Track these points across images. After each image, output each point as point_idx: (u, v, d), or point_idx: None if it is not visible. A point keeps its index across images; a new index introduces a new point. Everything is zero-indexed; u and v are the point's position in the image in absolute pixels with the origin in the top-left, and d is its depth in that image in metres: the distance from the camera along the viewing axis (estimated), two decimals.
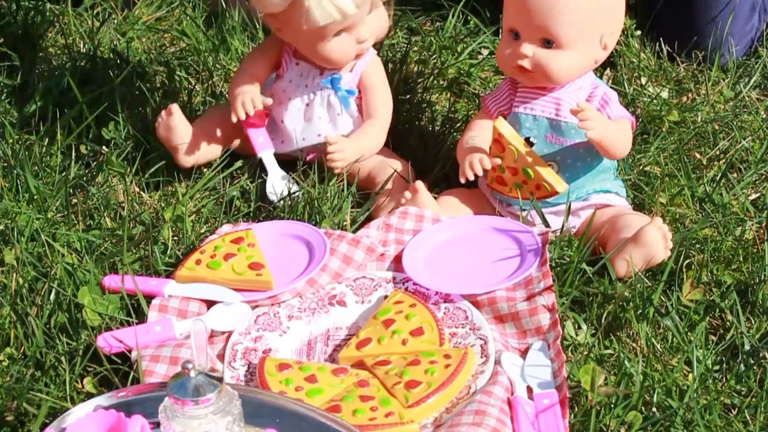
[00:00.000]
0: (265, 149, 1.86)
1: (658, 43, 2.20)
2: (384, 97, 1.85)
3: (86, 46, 2.29)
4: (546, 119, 1.72)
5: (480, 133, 1.75)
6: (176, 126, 1.83)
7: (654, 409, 1.39)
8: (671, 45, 2.19)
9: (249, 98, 1.82)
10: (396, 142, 1.96)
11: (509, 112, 1.75)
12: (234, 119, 1.83)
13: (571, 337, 1.51)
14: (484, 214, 1.75)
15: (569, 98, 1.70)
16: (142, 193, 1.86)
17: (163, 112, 1.84)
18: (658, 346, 1.50)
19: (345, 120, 1.85)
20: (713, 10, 2.12)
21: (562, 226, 1.69)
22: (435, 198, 1.76)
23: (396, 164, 1.84)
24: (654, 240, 1.57)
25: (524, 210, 1.71)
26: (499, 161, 1.70)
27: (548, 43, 1.67)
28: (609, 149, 1.68)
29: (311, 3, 1.72)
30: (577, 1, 1.64)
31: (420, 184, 1.72)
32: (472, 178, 1.71)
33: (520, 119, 1.73)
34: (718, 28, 2.12)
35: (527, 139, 1.72)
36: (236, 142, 1.91)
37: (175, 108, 1.83)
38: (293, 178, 1.83)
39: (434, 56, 2.26)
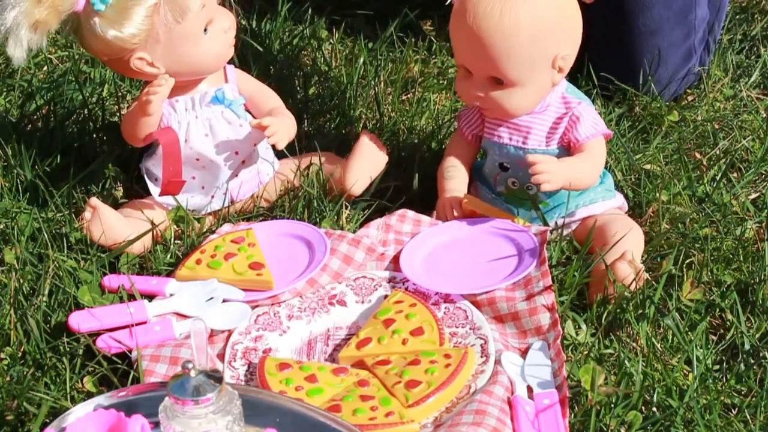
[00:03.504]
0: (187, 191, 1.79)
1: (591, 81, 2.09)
2: (265, 90, 1.83)
3: None
4: (514, 147, 1.68)
5: (457, 162, 1.74)
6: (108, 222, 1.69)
7: (654, 409, 1.39)
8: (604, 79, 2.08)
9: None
10: (396, 142, 1.96)
11: (482, 134, 1.72)
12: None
13: (571, 336, 1.51)
14: None
15: (538, 123, 1.66)
16: (142, 192, 1.86)
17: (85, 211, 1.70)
18: (658, 346, 1.49)
19: (247, 127, 1.77)
20: (640, 56, 2.06)
21: (559, 230, 1.68)
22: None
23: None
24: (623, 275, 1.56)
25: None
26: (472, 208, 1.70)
27: (499, 81, 1.61)
28: (574, 188, 1.64)
29: None
30: (519, 41, 1.56)
31: None
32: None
33: (490, 146, 1.71)
34: (647, 70, 2.06)
35: (501, 164, 1.70)
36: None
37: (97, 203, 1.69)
38: None
39: (434, 56, 2.26)
